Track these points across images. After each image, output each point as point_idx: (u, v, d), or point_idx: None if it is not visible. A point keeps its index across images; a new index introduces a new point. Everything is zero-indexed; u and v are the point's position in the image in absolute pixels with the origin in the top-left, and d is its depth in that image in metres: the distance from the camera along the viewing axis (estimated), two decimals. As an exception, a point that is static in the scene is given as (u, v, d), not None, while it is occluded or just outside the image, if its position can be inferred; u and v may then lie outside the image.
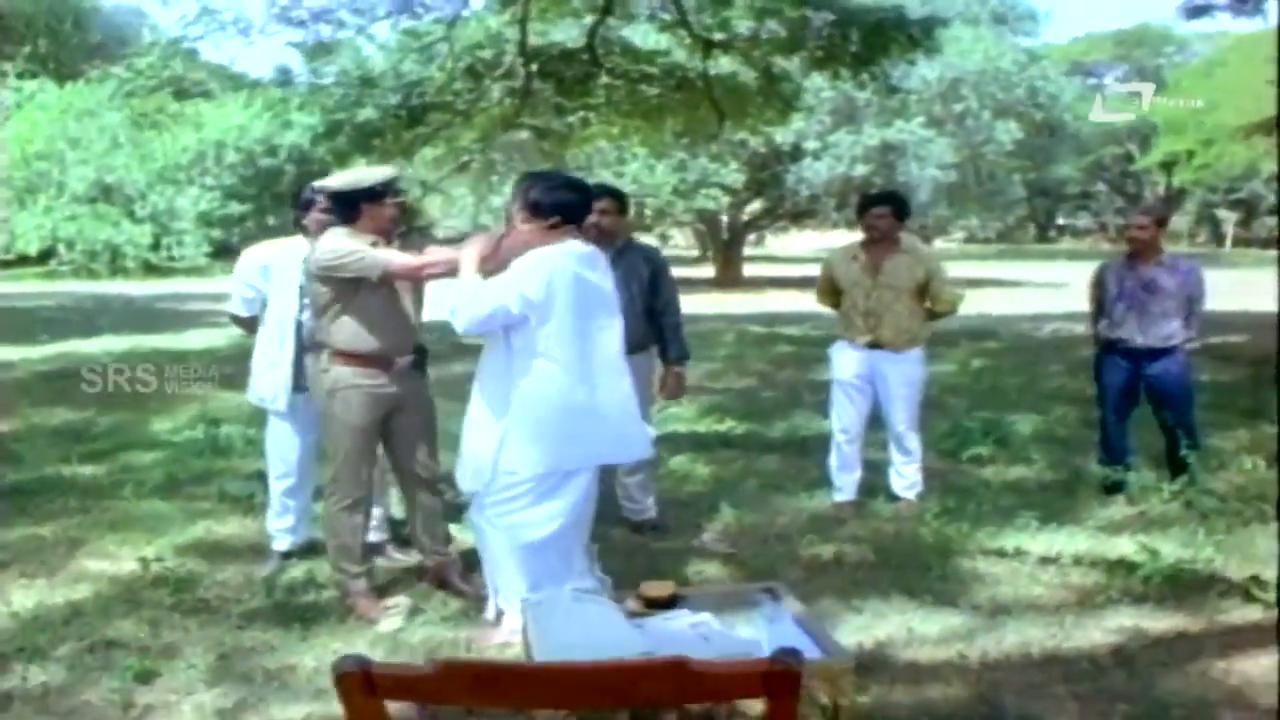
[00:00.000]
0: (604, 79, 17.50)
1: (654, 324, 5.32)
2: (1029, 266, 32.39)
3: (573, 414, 3.85)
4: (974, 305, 20.05)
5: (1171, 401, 5.97)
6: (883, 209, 5.76)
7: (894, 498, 5.86)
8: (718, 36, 15.09)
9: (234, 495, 6.02)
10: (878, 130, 23.98)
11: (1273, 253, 38.06)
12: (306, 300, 4.67)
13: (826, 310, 6.13)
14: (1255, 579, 4.34)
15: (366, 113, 18.38)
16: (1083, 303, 6.59)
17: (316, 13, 17.96)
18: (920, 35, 13.96)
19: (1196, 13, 14.41)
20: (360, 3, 18.19)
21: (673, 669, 1.43)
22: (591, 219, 5.06)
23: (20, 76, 39.91)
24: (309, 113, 26.56)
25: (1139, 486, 5.75)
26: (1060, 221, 59.14)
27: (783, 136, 24.16)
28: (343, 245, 4.16)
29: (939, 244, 39.20)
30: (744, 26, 15.07)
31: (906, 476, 5.89)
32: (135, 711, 3.51)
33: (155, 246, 36.24)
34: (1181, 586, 4.41)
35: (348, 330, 4.22)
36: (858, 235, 5.95)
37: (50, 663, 3.86)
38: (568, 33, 18.72)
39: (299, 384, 4.76)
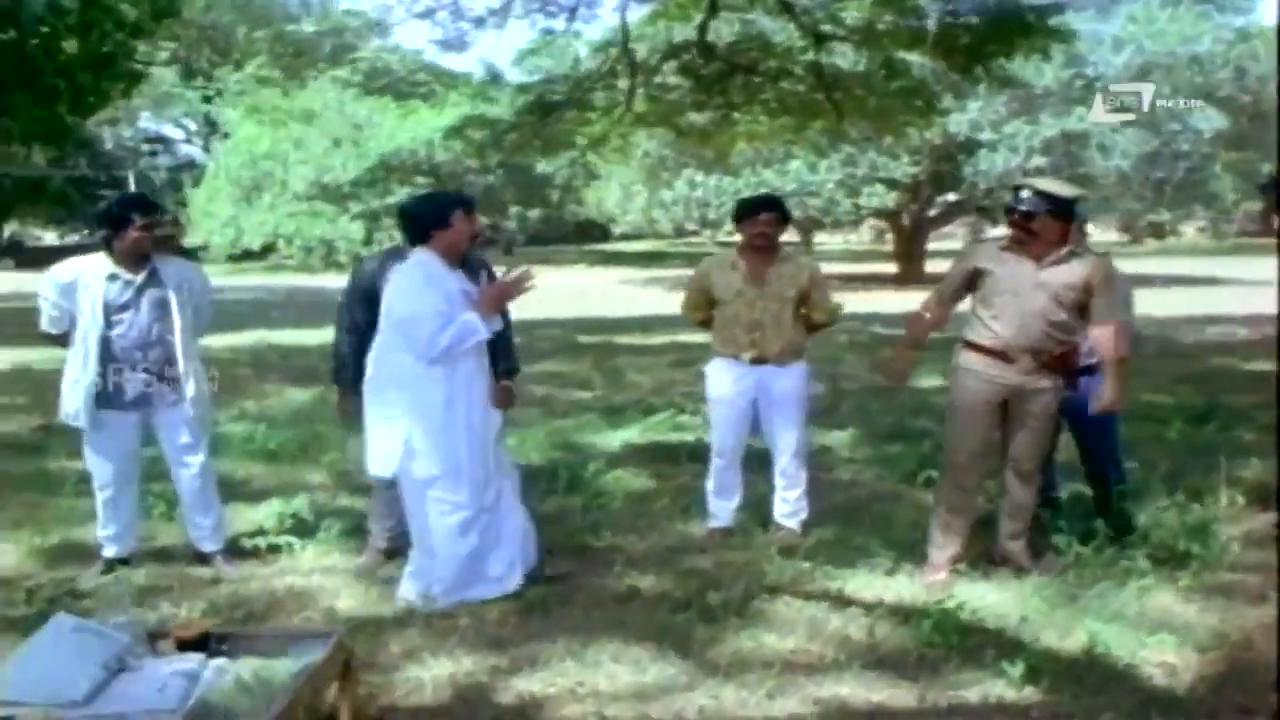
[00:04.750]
0: (741, 76, 17.09)
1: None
2: (1246, 263, 29.37)
3: None
4: (1140, 306, 18.59)
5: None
6: (768, 214, 5.35)
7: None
8: (826, 28, 14.52)
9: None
10: (1056, 120, 22.58)
11: None
12: (116, 317, 4.77)
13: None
14: (1017, 646, 3.77)
15: (498, 109, 18.62)
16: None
17: (452, 9, 18.35)
18: (1037, 24, 13.00)
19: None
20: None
21: None
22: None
23: (261, 83, 42.62)
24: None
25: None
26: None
27: (956, 127, 23.13)
28: None
29: (1111, 237, 36.64)
30: (854, 17, 14.45)
31: (789, 502, 5.47)
32: None
33: (367, 241, 37.87)
34: (957, 649, 3.88)
35: None
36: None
37: None
38: (716, 30, 18.44)
39: (106, 400, 4.81)
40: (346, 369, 5.05)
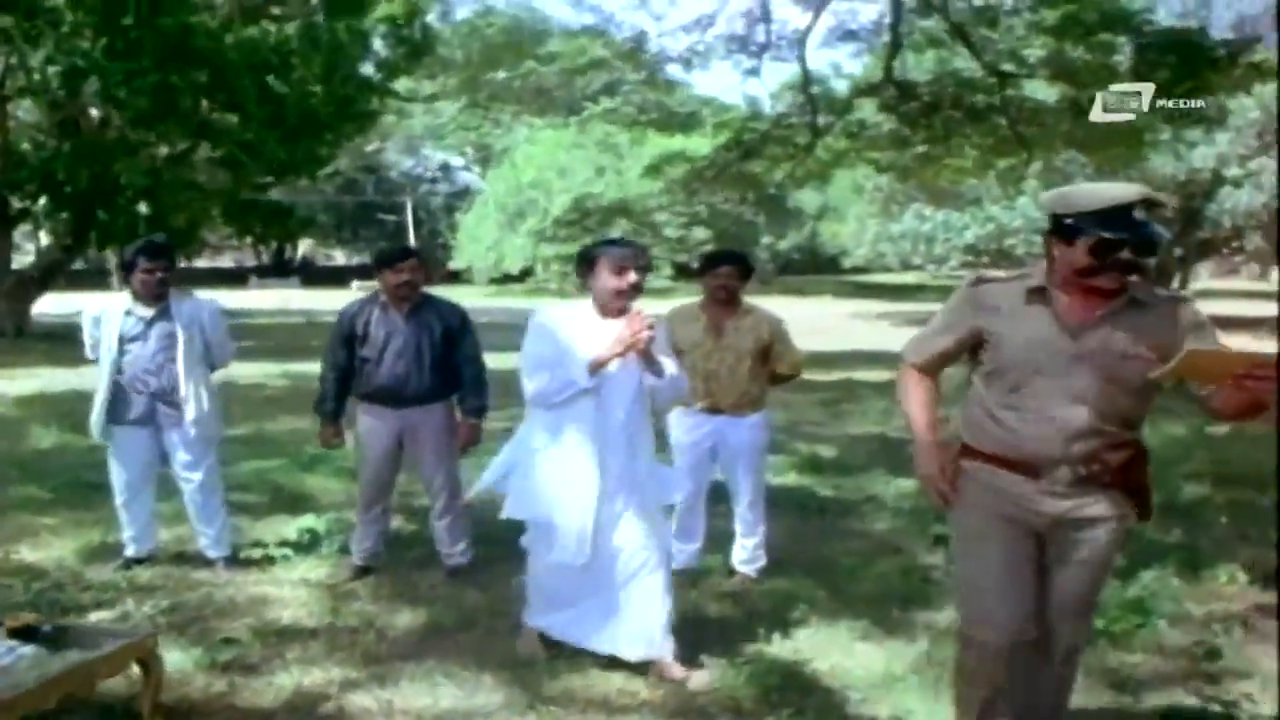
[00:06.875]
0: (940, 113, 16.97)
1: (454, 376, 5.52)
2: None
3: None
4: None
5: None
6: (729, 268, 5.51)
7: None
8: (1008, 67, 14.21)
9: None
10: (1311, 155, 20.96)
11: None
12: (127, 347, 5.50)
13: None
14: (830, 710, 3.81)
15: (694, 144, 19.02)
16: None
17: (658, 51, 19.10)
18: (1227, 59, 12.34)
19: None
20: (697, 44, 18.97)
21: None
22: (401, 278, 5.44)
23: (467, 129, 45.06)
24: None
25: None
26: None
27: (1201, 161, 21.92)
28: None
29: None
30: (1035, 55, 14.07)
31: (746, 550, 5.60)
32: None
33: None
34: (772, 705, 3.97)
35: None
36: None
37: None
38: (915, 67, 18.38)
39: (116, 417, 5.54)
40: (326, 401, 5.63)
